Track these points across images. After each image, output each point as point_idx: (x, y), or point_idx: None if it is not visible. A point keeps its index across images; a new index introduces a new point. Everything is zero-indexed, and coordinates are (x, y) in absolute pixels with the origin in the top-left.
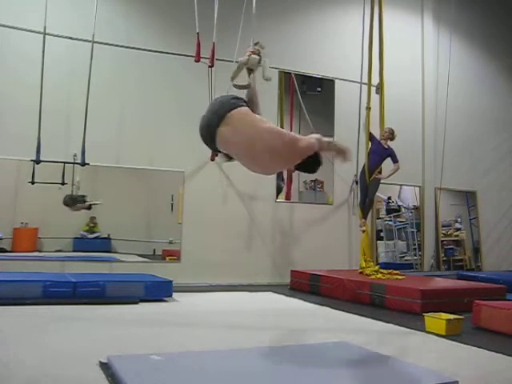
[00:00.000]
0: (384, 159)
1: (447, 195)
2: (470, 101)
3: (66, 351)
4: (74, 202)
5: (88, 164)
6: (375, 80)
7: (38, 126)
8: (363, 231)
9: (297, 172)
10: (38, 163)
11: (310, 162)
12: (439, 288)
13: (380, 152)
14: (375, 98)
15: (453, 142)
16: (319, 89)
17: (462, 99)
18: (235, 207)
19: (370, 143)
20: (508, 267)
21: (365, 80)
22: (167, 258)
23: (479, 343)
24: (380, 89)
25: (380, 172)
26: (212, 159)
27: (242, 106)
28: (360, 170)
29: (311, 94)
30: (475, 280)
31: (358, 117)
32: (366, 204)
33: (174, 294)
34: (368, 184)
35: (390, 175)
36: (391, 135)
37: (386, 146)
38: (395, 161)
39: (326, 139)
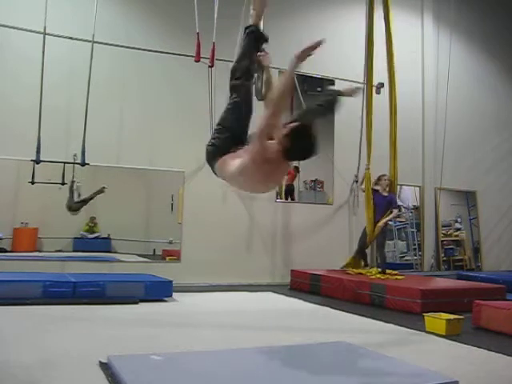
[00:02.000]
0: (388, 208)
1: (447, 195)
2: (470, 101)
3: (65, 351)
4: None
5: (88, 164)
6: (375, 81)
7: (38, 126)
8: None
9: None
10: (38, 163)
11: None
12: (439, 288)
13: (382, 203)
14: (376, 99)
15: (453, 142)
16: (319, 89)
17: (461, 99)
18: (235, 207)
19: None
20: (508, 267)
21: (363, 80)
22: (167, 258)
23: (479, 343)
24: (389, 92)
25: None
26: None
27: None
28: (360, 171)
29: (311, 94)
30: (475, 280)
31: (361, 117)
32: (378, 253)
33: (174, 294)
34: (371, 236)
35: (387, 220)
36: (390, 184)
37: (386, 194)
38: (395, 207)
39: (264, 122)
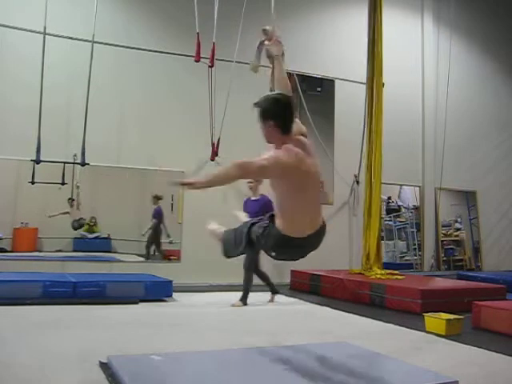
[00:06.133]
0: (264, 209)
1: (447, 195)
2: (470, 101)
3: (66, 351)
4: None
5: (88, 164)
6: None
7: (38, 126)
8: None
9: None
10: (38, 163)
11: None
12: (439, 288)
13: (253, 208)
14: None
15: (453, 142)
16: (319, 89)
17: (461, 99)
18: (235, 207)
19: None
20: (508, 267)
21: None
22: (167, 258)
23: (479, 343)
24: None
25: None
26: (212, 159)
27: None
28: (360, 169)
29: (311, 94)
30: (475, 280)
31: (364, 117)
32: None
33: (174, 294)
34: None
35: None
36: (256, 184)
37: (258, 197)
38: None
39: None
